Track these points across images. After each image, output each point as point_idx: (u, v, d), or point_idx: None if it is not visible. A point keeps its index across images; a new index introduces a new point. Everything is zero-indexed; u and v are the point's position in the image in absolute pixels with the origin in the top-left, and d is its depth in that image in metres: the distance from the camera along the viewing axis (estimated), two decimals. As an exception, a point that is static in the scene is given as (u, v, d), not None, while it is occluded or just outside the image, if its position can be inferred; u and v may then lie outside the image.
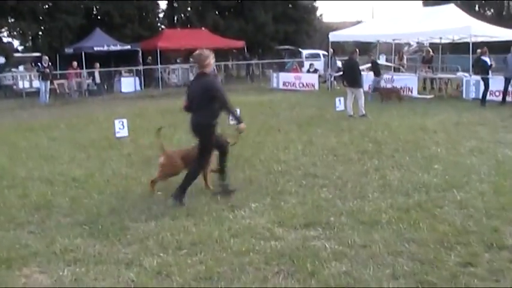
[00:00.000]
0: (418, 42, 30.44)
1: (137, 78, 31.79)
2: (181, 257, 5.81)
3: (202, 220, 6.99)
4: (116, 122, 13.68)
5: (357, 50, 18.35)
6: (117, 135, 13.53)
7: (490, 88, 20.26)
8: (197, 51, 8.09)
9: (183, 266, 5.55)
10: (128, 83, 31.20)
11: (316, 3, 51.91)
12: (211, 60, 8.09)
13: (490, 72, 20.55)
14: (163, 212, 7.43)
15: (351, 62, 17.69)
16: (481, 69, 20.89)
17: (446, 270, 5.30)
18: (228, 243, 6.11)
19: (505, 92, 19.99)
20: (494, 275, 5.23)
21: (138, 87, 31.32)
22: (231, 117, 9.16)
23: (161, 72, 33.43)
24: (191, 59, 9.07)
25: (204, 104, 7.87)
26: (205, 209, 7.48)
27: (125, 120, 13.83)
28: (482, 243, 5.98)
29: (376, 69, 23.43)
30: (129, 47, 32.97)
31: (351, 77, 17.23)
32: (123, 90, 30.66)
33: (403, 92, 22.90)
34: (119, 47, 32.46)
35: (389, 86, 23.64)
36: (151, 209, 7.59)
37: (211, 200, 7.94)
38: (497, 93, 20.70)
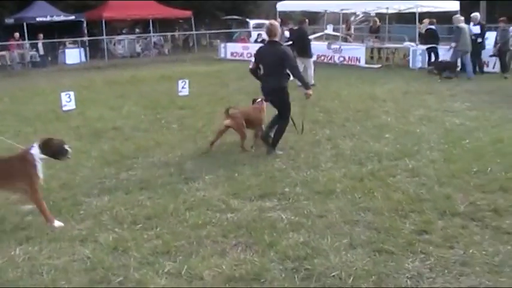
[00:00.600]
0: (364, 12, 30.53)
1: (82, 49, 31.05)
2: (137, 231, 5.71)
3: (157, 193, 6.88)
4: (63, 94, 13.30)
5: (307, 19, 18.28)
6: (64, 108, 13.17)
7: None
8: (268, 23, 9.14)
9: (140, 240, 5.46)
10: (73, 55, 30.45)
11: (264, -27, 51.49)
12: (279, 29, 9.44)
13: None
14: (116, 185, 7.30)
15: (301, 32, 17.65)
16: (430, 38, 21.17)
17: (402, 238, 5.35)
18: (184, 217, 6.04)
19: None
20: (449, 241, 5.31)
21: (83, 59, 30.61)
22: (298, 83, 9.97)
23: (107, 43, 32.71)
24: (264, 29, 9.44)
25: (278, 69, 8.76)
26: (158, 182, 7.37)
27: (71, 93, 13.47)
28: (436, 210, 6.07)
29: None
30: (73, 17, 32.06)
31: (300, 47, 17.17)
32: (67, 61, 29.95)
33: (352, 61, 23.11)
34: (62, 17, 31.52)
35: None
36: (103, 183, 7.45)
37: (164, 172, 7.83)
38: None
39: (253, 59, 9.53)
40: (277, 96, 8.99)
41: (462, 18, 19.27)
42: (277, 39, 8.96)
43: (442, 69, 18.80)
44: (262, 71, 9.11)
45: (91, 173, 7.94)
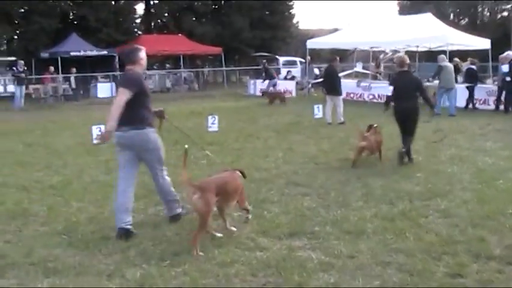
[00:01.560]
0: (394, 50, 30.56)
1: (113, 84, 31.43)
2: (165, 268, 5.65)
3: (185, 230, 6.82)
4: (94, 128, 13.44)
5: (337, 57, 18.32)
6: (95, 141, 13.28)
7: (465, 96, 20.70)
8: (398, 55, 12.22)
9: (167, 277, 5.40)
10: (104, 88, 30.97)
11: (293, 11, 52.03)
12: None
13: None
14: (144, 221, 7.28)
15: (331, 69, 17.68)
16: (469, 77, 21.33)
17: (435, 281, 5.22)
18: (212, 254, 5.97)
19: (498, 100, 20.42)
20: (484, 285, 5.17)
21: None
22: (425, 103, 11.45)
23: (138, 78, 33.11)
24: (394, 61, 13.45)
25: (413, 93, 10.87)
26: (186, 217, 7.32)
27: (102, 126, 13.56)
28: (470, 253, 5.92)
29: (268, 73, 26.33)
30: (105, 52, 32.70)
31: (330, 85, 17.21)
32: (99, 95, 30.44)
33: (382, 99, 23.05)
34: (95, 52, 32.20)
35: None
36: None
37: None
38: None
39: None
40: (412, 114, 10.83)
41: (444, 57, 20.45)
42: (406, 68, 11.29)
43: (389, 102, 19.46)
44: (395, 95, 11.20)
45: (120, 208, 7.93)
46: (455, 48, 24.94)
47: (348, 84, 25.71)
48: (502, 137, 13.98)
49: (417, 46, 27.28)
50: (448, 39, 23.30)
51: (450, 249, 6.02)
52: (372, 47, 29.04)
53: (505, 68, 19.61)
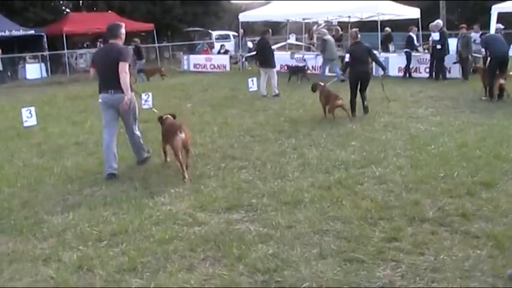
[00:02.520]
0: (326, 21, 30.72)
1: (43, 64, 30.53)
2: (102, 249, 5.53)
3: (122, 209, 6.70)
4: (23, 110, 13.06)
5: (270, 30, 18.27)
6: (25, 124, 12.92)
7: (402, 64, 21.11)
8: (350, 31, 14.56)
9: (105, 258, 5.29)
10: (33, 69, 29.92)
11: (225, -15, 51.60)
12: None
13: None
14: (80, 202, 7.10)
15: (263, 42, 17.60)
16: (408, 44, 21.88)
17: (372, 246, 5.30)
18: (150, 232, 5.88)
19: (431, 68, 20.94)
20: (419, 247, 5.27)
21: (44, 74, 30.09)
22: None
23: (68, 58, 32.28)
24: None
25: (366, 59, 13.40)
26: (123, 197, 7.19)
27: (32, 108, 13.24)
28: (405, 217, 6.04)
29: (138, 53, 25.69)
30: (32, 31, 31.57)
31: (263, 57, 17.16)
32: (28, 77, 29.46)
33: (313, 70, 23.27)
34: (21, 32, 31.04)
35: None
36: (66, 200, 7.25)
37: (129, 187, 7.66)
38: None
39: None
40: (366, 77, 13.25)
41: (326, 31, 22.40)
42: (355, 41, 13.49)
43: (293, 73, 21.51)
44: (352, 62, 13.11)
45: (53, 190, 7.72)
46: (386, 18, 25.28)
47: (281, 57, 25.69)
48: (433, 104, 14.31)
49: (349, 16, 27.46)
50: (379, 9, 23.56)
51: (386, 214, 6.12)
52: (304, 19, 29.09)
53: (435, 36, 19.98)
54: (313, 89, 13.70)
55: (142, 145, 9.07)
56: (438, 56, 20.08)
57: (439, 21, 21.11)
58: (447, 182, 7.29)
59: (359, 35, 13.60)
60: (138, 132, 8.95)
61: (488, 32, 18.67)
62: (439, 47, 19.89)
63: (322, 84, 13.65)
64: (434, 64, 20.45)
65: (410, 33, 21.95)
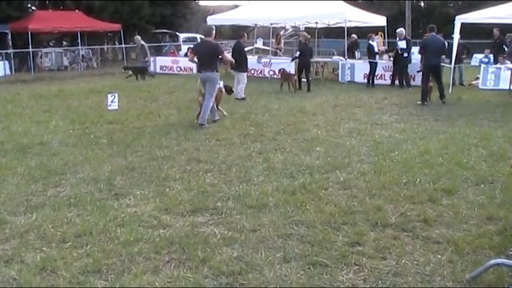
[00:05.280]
0: (294, 27, 30.92)
1: (7, 62, 30.07)
2: (66, 250, 5.48)
3: (86, 210, 6.66)
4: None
5: (245, 34, 18.46)
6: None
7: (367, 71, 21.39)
8: (302, 34, 16.90)
9: (69, 259, 5.24)
10: (-1, 66, 29.50)
11: (194, -13, 51.54)
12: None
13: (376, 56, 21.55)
14: (44, 203, 7.03)
15: (239, 46, 17.82)
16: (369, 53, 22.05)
17: (336, 251, 5.36)
18: (115, 233, 5.85)
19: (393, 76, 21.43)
20: (381, 252, 5.35)
21: (8, 72, 29.65)
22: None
23: (33, 56, 31.86)
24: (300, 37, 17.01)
25: (309, 55, 20.28)
26: (88, 198, 7.14)
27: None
28: (368, 222, 6.12)
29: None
30: (-4, 28, 31.15)
31: (237, 61, 17.26)
32: (-7, 73, 29.03)
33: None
34: (-16, 29, 30.61)
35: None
36: (30, 200, 7.16)
37: (94, 188, 7.62)
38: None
39: None
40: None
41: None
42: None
43: (136, 73, 23.52)
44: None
45: (17, 190, 7.62)
46: (353, 25, 25.55)
47: (248, 61, 25.79)
48: (397, 111, 14.53)
49: (316, 23, 27.68)
50: (346, 16, 23.79)
51: (349, 219, 6.20)
52: (272, 24, 29.22)
53: (402, 44, 20.30)
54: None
55: (215, 110, 13.07)
56: (403, 63, 20.39)
57: (402, 30, 21.46)
58: (409, 188, 7.42)
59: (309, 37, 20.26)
60: (211, 102, 12.64)
61: (452, 41, 19.02)
62: (405, 55, 20.21)
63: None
64: (399, 71, 20.75)
65: (370, 42, 22.09)
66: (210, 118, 12.79)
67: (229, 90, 14.69)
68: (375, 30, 24.49)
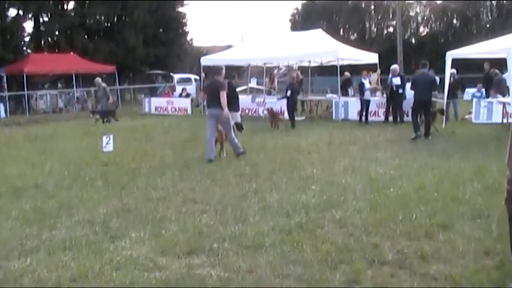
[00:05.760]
0: (287, 66, 31.18)
1: (2, 105, 30.20)
2: (61, 295, 5.45)
3: (82, 253, 6.61)
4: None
5: (235, 75, 18.63)
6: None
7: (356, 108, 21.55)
8: (291, 75, 19.09)
9: (64, 304, 5.21)
10: (-7, 108, 29.61)
11: (187, 28, 52.03)
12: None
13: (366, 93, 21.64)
14: (38, 246, 6.97)
15: (232, 86, 17.89)
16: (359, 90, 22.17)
17: (333, 290, 5.33)
18: (111, 277, 5.81)
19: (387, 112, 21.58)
20: (378, 290, 5.32)
21: (3, 114, 29.79)
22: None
23: (28, 98, 31.99)
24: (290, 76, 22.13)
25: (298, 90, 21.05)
26: (83, 241, 7.10)
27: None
28: (365, 260, 6.09)
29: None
30: (-8, 71, 31.36)
31: (231, 101, 17.40)
32: (-13, 115, 29.16)
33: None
34: (-20, 71, 30.82)
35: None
36: (24, 244, 7.10)
37: (89, 231, 7.57)
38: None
39: None
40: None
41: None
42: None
43: (103, 115, 23.61)
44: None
45: (11, 234, 7.58)
46: (345, 62, 25.80)
47: (242, 100, 25.76)
48: (392, 147, 14.57)
49: (309, 61, 27.95)
50: (339, 54, 24.05)
51: (346, 257, 6.17)
52: (265, 63, 29.48)
53: (396, 80, 20.47)
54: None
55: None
56: (398, 100, 20.54)
57: (396, 66, 21.66)
58: (406, 225, 7.40)
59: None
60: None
61: (443, 76, 19.27)
62: (400, 91, 20.36)
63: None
64: (393, 108, 20.88)
65: (362, 79, 22.17)
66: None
67: (239, 127, 15.25)
68: (368, 67, 24.67)
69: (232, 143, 13.38)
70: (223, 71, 13.78)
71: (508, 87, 19.51)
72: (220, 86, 13.27)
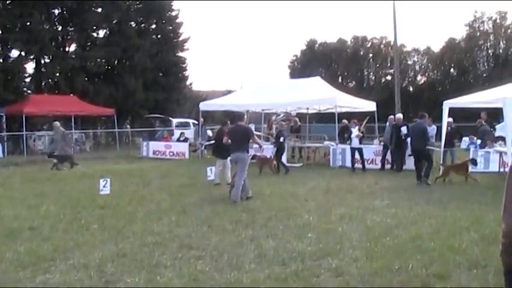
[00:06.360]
0: (285, 112, 31.38)
1: (0, 145, 30.27)
2: None
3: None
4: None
5: (228, 121, 18.75)
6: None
7: (358, 156, 21.59)
8: (280, 123, 20.44)
9: None
10: (-10, 150, 29.65)
11: (187, 72, 52.44)
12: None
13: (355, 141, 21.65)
14: (32, 290, 6.95)
15: (219, 133, 18.12)
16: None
17: None
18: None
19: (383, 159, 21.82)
20: None
21: (0, 154, 29.82)
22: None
23: (26, 139, 32.08)
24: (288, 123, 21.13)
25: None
26: (77, 285, 7.07)
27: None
28: (360, 311, 6.06)
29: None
30: (-9, 111, 31.53)
31: (219, 147, 17.62)
32: (-15, 157, 29.19)
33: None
34: (-20, 112, 31.00)
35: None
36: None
37: (84, 275, 7.53)
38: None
39: None
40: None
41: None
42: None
43: (60, 160, 23.05)
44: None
45: (4, 277, 7.54)
46: (343, 110, 25.98)
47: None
48: (388, 195, 14.57)
49: (307, 108, 28.14)
50: (337, 102, 24.25)
51: (341, 308, 6.14)
52: (263, 109, 29.67)
53: (404, 129, 20.62)
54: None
55: (247, 187, 14.25)
56: (403, 148, 20.62)
57: (400, 115, 21.77)
58: (402, 274, 7.37)
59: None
60: (242, 181, 14.01)
61: (441, 125, 19.49)
62: (408, 140, 20.41)
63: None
64: (399, 156, 20.97)
65: (351, 128, 22.12)
66: (244, 195, 14.11)
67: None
68: (365, 115, 24.85)
69: (236, 187, 13.91)
70: (246, 116, 14.30)
71: (498, 137, 19.79)
72: (249, 132, 14.78)
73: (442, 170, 17.70)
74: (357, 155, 21.51)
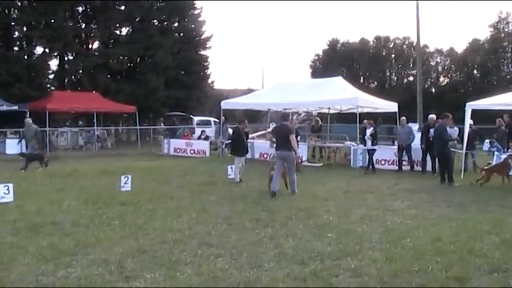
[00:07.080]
0: (306, 112, 31.33)
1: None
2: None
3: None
4: (0, 186, 13.03)
5: (245, 120, 18.84)
6: (1, 200, 12.85)
7: (380, 157, 21.53)
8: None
9: None
10: (13, 145, 29.79)
11: (208, 71, 52.54)
12: None
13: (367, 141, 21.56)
14: (54, 284, 7.03)
15: (237, 131, 18.26)
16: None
17: None
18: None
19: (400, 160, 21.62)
20: None
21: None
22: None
23: (49, 135, 32.35)
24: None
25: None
26: (98, 280, 7.15)
27: (10, 185, 13.21)
28: (379, 311, 6.06)
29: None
30: (16, 107, 31.78)
31: (235, 145, 17.90)
32: (7, 152, 29.44)
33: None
34: (5, 107, 31.24)
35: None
36: (40, 281, 7.16)
37: (104, 270, 7.61)
38: (382, 162, 21.84)
39: None
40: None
41: None
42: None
43: (29, 159, 21.34)
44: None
45: (27, 270, 7.64)
46: (365, 110, 25.87)
47: (261, 145, 26.12)
48: (409, 197, 14.51)
49: (329, 108, 28.08)
50: (358, 102, 24.17)
51: (360, 308, 6.14)
52: (285, 108, 29.66)
53: (432, 131, 20.46)
54: None
55: (295, 183, 14.95)
56: (431, 149, 20.45)
57: (433, 116, 21.51)
58: (421, 277, 7.35)
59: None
60: (295, 176, 15.00)
61: (462, 127, 19.37)
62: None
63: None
64: (423, 155, 20.85)
65: (366, 129, 22.01)
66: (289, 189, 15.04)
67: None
68: (387, 116, 24.74)
69: (291, 182, 14.93)
70: (290, 116, 14.65)
71: None
72: (290, 130, 14.98)
73: (484, 173, 17.15)
74: (378, 156, 21.49)
